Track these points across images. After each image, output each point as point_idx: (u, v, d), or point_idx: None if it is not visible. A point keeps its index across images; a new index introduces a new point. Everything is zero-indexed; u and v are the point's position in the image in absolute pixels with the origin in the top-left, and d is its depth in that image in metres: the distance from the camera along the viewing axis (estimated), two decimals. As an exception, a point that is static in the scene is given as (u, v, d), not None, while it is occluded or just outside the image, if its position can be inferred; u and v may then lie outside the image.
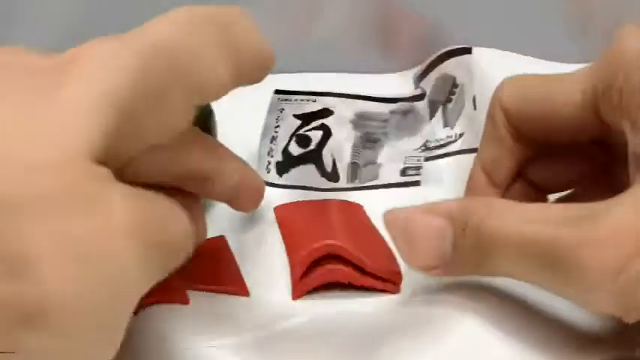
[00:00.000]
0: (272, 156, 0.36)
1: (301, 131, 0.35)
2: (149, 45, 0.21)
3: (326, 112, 0.35)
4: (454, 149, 0.41)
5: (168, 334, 0.25)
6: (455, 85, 0.40)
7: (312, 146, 0.35)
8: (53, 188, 0.18)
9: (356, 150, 0.35)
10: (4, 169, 0.17)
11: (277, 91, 0.35)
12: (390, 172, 0.36)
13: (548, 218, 0.22)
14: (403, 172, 0.37)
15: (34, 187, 0.17)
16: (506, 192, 0.29)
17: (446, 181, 0.37)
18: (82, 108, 0.19)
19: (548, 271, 0.22)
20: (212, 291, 0.28)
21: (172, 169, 0.24)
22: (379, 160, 0.36)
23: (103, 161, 0.19)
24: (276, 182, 0.36)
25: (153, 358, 0.24)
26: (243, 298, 0.28)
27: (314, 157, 0.35)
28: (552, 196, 0.30)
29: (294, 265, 0.29)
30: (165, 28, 0.21)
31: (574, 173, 0.29)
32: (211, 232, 0.32)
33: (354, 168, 0.36)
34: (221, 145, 0.28)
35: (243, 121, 0.43)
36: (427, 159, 0.37)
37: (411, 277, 0.28)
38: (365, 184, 0.36)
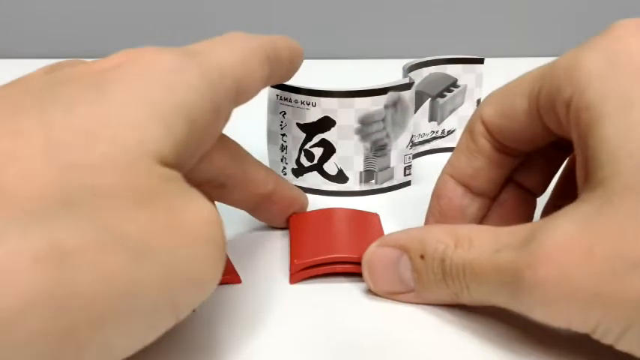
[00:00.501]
0: (287, 163, 0.37)
1: (307, 147, 0.36)
2: (215, 69, 0.23)
3: (328, 123, 0.35)
4: (440, 146, 0.41)
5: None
6: (455, 85, 0.40)
7: (315, 161, 0.36)
8: (120, 186, 0.19)
9: (369, 160, 0.36)
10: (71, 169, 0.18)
11: (274, 84, 0.35)
12: (399, 173, 0.37)
13: (502, 244, 0.23)
14: (404, 172, 0.37)
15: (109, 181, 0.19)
16: (495, 199, 0.30)
17: (432, 181, 0.38)
18: (151, 114, 0.20)
19: (506, 294, 0.23)
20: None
21: (191, 174, 0.25)
22: (392, 164, 0.37)
23: (173, 167, 0.21)
24: (294, 184, 0.37)
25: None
26: (238, 286, 0.29)
27: (318, 168, 0.37)
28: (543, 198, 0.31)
29: (293, 262, 0.29)
30: (226, 52, 0.24)
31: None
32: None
33: (370, 173, 0.37)
34: (246, 151, 0.29)
35: (243, 121, 0.43)
36: (415, 156, 0.37)
37: None
38: (375, 187, 0.37)
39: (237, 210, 0.35)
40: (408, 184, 0.38)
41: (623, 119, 0.22)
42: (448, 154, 0.41)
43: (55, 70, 0.23)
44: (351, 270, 0.29)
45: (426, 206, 0.34)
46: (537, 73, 0.26)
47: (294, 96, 0.35)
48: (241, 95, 0.25)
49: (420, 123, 0.40)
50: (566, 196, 0.29)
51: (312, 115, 0.35)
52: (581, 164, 0.24)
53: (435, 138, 0.41)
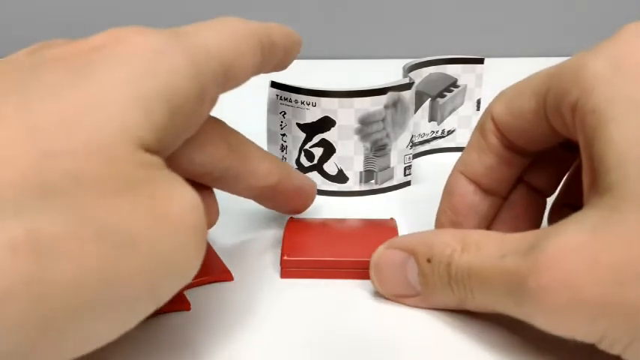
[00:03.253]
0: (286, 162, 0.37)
1: (307, 147, 0.36)
2: (201, 51, 0.22)
3: (328, 123, 0.35)
4: (440, 146, 0.41)
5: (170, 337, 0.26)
6: (455, 85, 0.40)
7: (315, 161, 0.36)
8: (101, 173, 0.19)
9: (369, 160, 0.36)
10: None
11: (273, 84, 0.35)
12: (399, 173, 0.37)
13: (508, 249, 0.23)
14: (404, 172, 0.37)
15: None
16: (506, 198, 0.30)
17: (432, 181, 0.38)
18: (132, 98, 0.20)
19: (510, 301, 0.23)
20: (201, 284, 0.29)
21: (187, 167, 0.25)
22: (392, 164, 0.37)
23: (154, 152, 0.21)
24: None
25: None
26: (231, 284, 0.29)
27: (318, 168, 0.36)
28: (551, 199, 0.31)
29: (284, 259, 0.29)
30: (215, 34, 0.24)
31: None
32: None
33: (370, 173, 0.37)
34: (250, 143, 0.28)
35: (243, 121, 0.43)
36: (415, 156, 0.37)
37: None
38: (375, 187, 0.37)
39: (231, 208, 0.35)
40: (408, 184, 0.38)
41: (630, 123, 0.22)
42: (448, 154, 0.42)
43: (36, 51, 0.23)
44: (345, 277, 0.29)
45: (426, 206, 0.34)
46: (545, 74, 0.26)
47: (294, 96, 0.35)
48: (230, 80, 0.25)
49: (420, 123, 0.40)
50: (572, 195, 0.29)
51: (312, 115, 0.35)
52: (586, 168, 0.23)
53: (435, 138, 0.41)
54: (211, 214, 0.27)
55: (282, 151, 0.36)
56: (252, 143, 0.28)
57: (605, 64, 0.23)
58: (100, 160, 0.19)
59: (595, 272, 0.20)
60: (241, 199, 0.36)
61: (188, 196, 0.21)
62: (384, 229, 0.31)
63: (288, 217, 0.33)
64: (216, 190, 0.35)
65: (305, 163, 0.36)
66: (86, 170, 0.18)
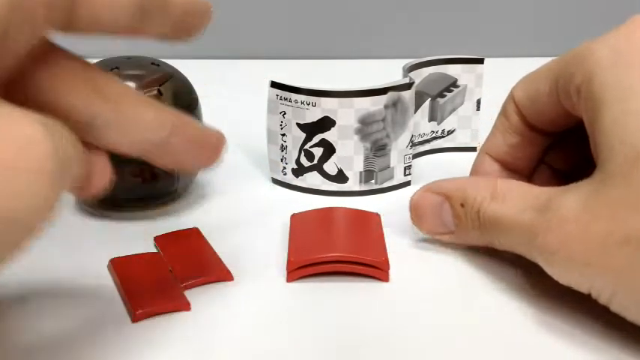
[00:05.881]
0: (286, 163, 0.37)
1: (307, 146, 0.36)
2: None
3: (328, 123, 0.35)
4: (440, 146, 0.41)
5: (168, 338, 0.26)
6: (455, 85, 0.40)
7: (315, 161, 0.36)
8: None
9: (369, 160, 0.36)
10: None
11: (273, 84, 0.35)
12: (399, 173, 0.37)
13: (527, 205, 0.26)
14: (404, 172, 0.37)
15: None
16: (530, 177, 0.32)
17: (432, 180, 0.38)
18: None
19: (525, 249, 0.27)
20: (201, 284, 0.29)
21: (53, 113, 0.21)
22: (392, 164, 0.37)
23: None
24: (293, 184, 0.37)
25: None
26: (235, 284, 0.29)
27: (318, 168, 0.36)
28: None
29: (290, 260, 0.29)
30: None
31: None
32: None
33: (369, 173, 0.37)
34: (129, 89, 0.24)
35: (243, 121, 0.43)
36: (415, 156, 0.37)
37: (400, 270, 0.30)
38: (375, 187, 0.37)
39: (231, 207, 0.35)
40: (408, 184, 0.38)
41: (619, 108, 0.24)
42: (448, 154, 0.42)
43: None
44: (349, 270, 0.29)
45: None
46: (559, 59, 0.28)
47: (294, 96, 0.35)
48: (82, 13, 0.20)
49: (420, 123, 0.40)
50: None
51: (312, 115, 0.35)
52: (592, 145, 0.26)
53: (435, 138, 0.41)
54: (97, 174, 0.23)
55: (282, 150, 0.36)
56: (134, 90, 0.25)
57: (607, 52, 0.25)
58: None
59: (585, 237, 0.24)
60: (240, 199, 0.36)
61: (26, 127, 0.17)
62: (368, 219, 0.33)
63: (287, 214, 0.33)
64: (213, 191, 0.35)
65: (305, 162, 0.36)
66: None
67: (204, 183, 0.38)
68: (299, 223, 0.32)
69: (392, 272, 0.29)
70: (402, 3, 0.63)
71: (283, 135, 0.36)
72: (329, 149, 0.36)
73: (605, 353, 0.25)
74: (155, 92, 0.32)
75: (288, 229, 0.32)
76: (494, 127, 0.32)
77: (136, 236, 0.32)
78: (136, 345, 0.25)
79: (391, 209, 0.35)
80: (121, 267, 0.29)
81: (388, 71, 0.41)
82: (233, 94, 0.52)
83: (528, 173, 0.32)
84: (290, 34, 0.60)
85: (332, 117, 0.35)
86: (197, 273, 0.29)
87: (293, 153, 0.36)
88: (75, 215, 0.34)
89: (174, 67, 0.35)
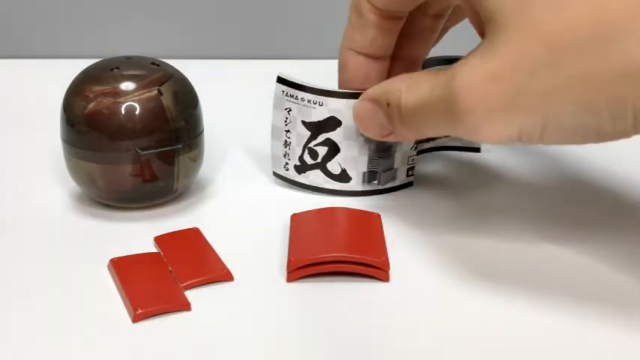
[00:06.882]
0: (289, 159, 0.37)
1: (311, 145, 0.36)
2: None
3: (333, 123, 0.35)
4: (445, 144, 0.42)
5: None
6: None
7: (318, 159, 0.36)
8: None
9: (373, 161, 0.36)
10: None
11: (280, 80, 0.35)
12: (402, 174, 0.37)
13: (436, 83, 0.28)
14: (407, 173, 0.37)
15: None
16: (393, 58, 0.35)
17: (434, 181, 0.38)
18: None
19: (450, 126, 0.28)
20: (201, 284, 0.29)
21: None
22: (395, 166, 0.37)
23: None
24: (295, 180, 0.37)
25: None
26: (235, 284, 0.29)
27: (321, 167, 0.36)
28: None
29: (290, 261, 0.29)
30: None
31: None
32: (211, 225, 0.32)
33: (373, 174, 0.36)
34: None
35: (247, 116, 0.42)
36: (418, 153, 0.37)
37: (400, 270, 0.30)
38: (377, 188, 0.37)
39: (235, 207, 0.35)
40: (410, 184, 0.38)
41: None
42: (453, 153, 0.42)
43: None
44: (349, 270, 0.29)
45: (427, 207, 0.34)
46: None
47: (300, 94, 0.34)
48: None
49: None
50: None
51: (318, 115, 0.35)
52: (471, 16, 0.28)
53: (438, 137, 0.41)
54: None
55: (286, 147, 0.36)
56: None
57: None
58: None
59: (496, 86, 0.25)
60: (240, 199, 0.36)
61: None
62: (368, 219, 0.33)
63: (287, 214, 0.33)
64: (213, 191, 0.34)
65: (308, 160, 0.36)
66: None
67: (204, 183, 0.38)
68: (299, 223, 0.32)
69: (392, 272, 0.29)
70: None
71: (287, 131, 0.36)
72: (333, 149, 0.35)
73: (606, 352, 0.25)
74: (155, 92, 0.32)
75: (288, 229, 0.32)
76: (349, 24, 0.33)
77: (136, 236, 0.32)
78: (136, 345, 0.25)
79: (391, 209, 0.35)
80: (121, 267, 0.29)
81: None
82: (233, 94, 0.52)
83: (390, 54, 0.34)
84: (295, 34, 0.60)
85: (338, 117, 0.35)
86: (197, 273, 0.29)
87: (297, 150, 0.36)
88: (75, 215, 0.34)
89: (175, 67, 0.35)
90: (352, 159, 0.36)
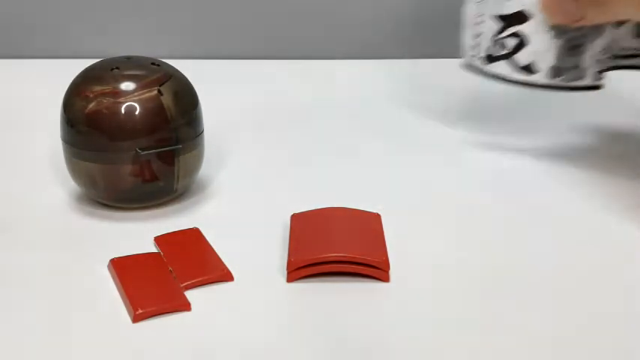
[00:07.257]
0: (477, 51, 0.37)
1: (500, 36, 0.36)
2: None
3: (524, 16, 0.35)
4: None
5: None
6: None
7: (507, 51, 0.37)
8: None
9: (560, 57, 0.36)
10: None
11: None
12: (590, 75, 0.37)
13: None
14: (595, 77, 0.37)
15: None
16: None
17: (435, 180, 0.38)
18: None
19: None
20: (201, 284, 0.29)
21: None
22: (583, 65, 0.37)
23: None
24: (483, 69, 0.38)
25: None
26: (235, 285, 0.29)
27: (509, 58, 0.37)
28: None
29: (290, 261, 0.29)
30: None
31: None
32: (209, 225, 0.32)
33: (559, 70, 0.36)
34: None
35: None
36: (613, 68, 0.37)
37: (400, 270, 0.30)
38: (566, 84, 0.37)
39: (235, 207, 0.35)
40: (597, 87, 0.37)
41: None
42: (451, 157, 0.41)
43: None
44: (349, 270, 0.29)
45: (427, 207, 0.34)
46: None
47: None
48: None
49: (623, 37, 0.39)
50: None
51: (510, 7, 0.35)
52: None
53: (637, 55, 0.41)
54: None
55: (477, 37, 0.37)
56: None
57: None
58: None
59: None
60: (240, 199, 0.36)
61: None
62: (368, 219, 0.32)
63: (287, 214, 0.33)
64: (213, 191, 0.34)
65: (497, 51, 0.36)
66: None
67: (204, 183, 0.38)
68: (299, 223, 0.32)
69: (392, 272, 0.29)
70: None
71: (479, 23, 0.36)
72: (522, 41, 0.36)
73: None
74: (155, 92, 0.32)
75: (288, 229, 0.32)
76: None
77: (136, 236, 0.32)
78: (136, 345, 0.25)
79: (391, 209, 0.35)
80: (121, 267, 0.29)
81: None
82: (233, 94, 0.52)
83: None
84: (290, 33, 0.60)
85: (528, 10, 0.35)
86: (197, 273, 0.29)
87: (486, 41, 0.36)
88: (75, 215, 0.34)
89: (174, 67, 0.35)
90: (540, 53, 0.36)
